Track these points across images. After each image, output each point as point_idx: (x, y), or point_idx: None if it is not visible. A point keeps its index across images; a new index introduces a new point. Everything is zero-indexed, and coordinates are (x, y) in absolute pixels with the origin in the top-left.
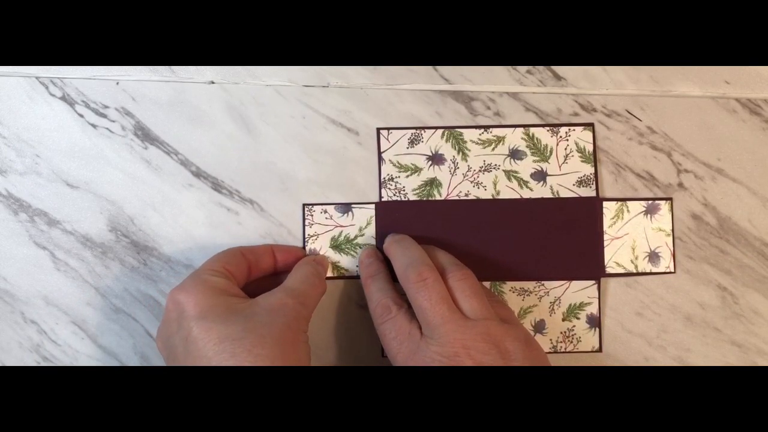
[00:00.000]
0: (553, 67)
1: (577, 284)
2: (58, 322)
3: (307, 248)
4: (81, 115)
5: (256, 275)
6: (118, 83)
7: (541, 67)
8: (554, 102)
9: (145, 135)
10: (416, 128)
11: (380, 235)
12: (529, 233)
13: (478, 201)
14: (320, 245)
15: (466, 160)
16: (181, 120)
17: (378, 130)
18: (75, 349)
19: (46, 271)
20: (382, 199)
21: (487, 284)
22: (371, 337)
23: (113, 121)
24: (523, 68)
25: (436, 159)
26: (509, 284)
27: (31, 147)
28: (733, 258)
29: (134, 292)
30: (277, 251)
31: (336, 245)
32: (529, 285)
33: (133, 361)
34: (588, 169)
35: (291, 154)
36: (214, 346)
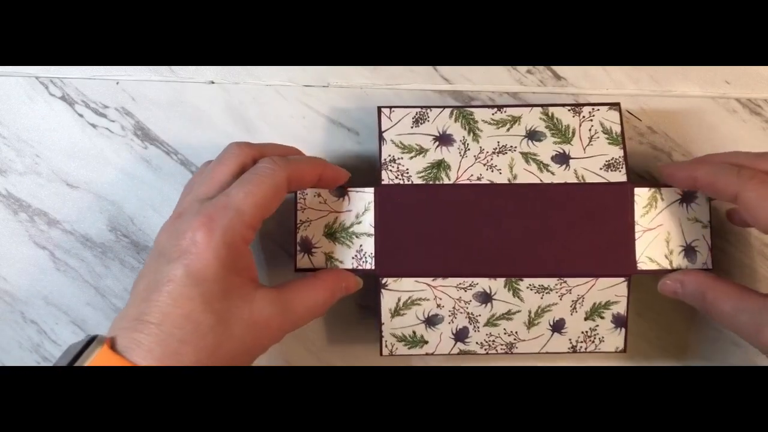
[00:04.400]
0: (553, 67)
1: (604, 281)
2: (58, 322)
3: (298, 236)
4: (81, 115)
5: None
6: (118, 83)
7: (541, 67)
8: (554, 102)
9: (144, 135)
10: (422, 107)
11: (380, 223)
12: (551, 223)
13: (493, 186)
14: (313, 233)
15: (478, 141)
16: (180, 120)
17: (379, 108)
18: None
19: (45, 271)
20: (383, 183)
21: (501, 281)
22: (372, 337)
23: (113, 121)
24: (523, 68)
25: (443, 139)
26: (527, 281)
27: (30, 147)
28: (734, 258)
29: None
30: (328, 169)
31: (330, 233)
32: (550, 282)
33: None
34: (616, 152)
35: None
36: (177, 317)
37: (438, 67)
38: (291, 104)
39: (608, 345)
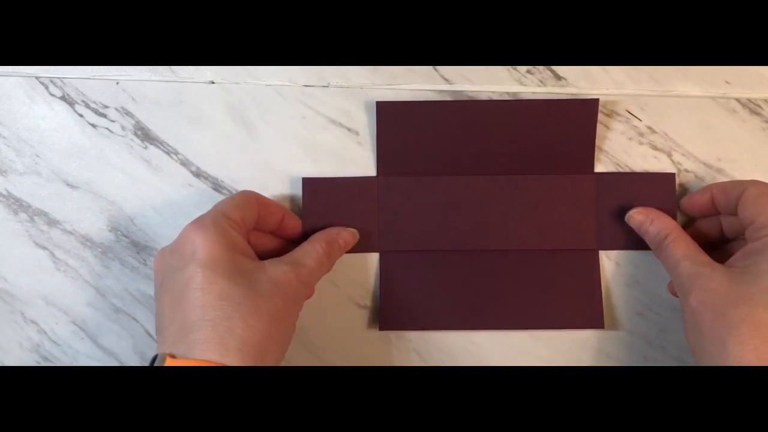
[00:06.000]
0: (553, 67)
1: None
2: (58, 322)
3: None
4: (81, 115)
5: (258, 228)
6: (118, 83)
7: (541, 67)
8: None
9: (145, 135)
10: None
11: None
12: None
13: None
14: None
15: None
16: (181, 120)
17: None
18: (75, 349)
19: (46, 271)
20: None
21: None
22: (371, 337)
23: (113, 121)
24: (523, 68)
25: None
26: None
27: (30, 147)
28: None
29: (134, 292)
30: (288, 217)
31: None
32: None
33: (133, 361)
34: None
35: (291, 154)
36: (213, 301)
37: (438, 67)
38: (291, 104)
39: None
